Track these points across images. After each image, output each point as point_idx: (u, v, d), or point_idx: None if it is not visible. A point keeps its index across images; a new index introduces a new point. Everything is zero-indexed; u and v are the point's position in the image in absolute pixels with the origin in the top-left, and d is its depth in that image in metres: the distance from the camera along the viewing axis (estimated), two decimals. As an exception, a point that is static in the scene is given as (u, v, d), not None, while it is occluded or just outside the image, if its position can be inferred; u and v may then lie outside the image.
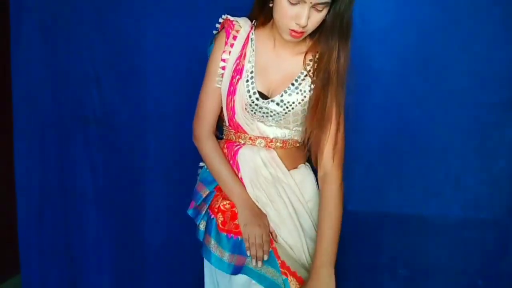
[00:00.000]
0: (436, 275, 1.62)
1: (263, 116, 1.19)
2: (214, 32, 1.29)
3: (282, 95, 1.18)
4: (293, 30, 1.08)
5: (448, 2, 1.46)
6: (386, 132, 1.55)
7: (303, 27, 1.07)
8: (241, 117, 1.21)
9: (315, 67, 1.18)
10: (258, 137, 1.22)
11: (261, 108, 1.18)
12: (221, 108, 1.29)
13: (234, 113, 1.20)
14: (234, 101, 1.19)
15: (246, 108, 1.19)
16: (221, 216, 1.20)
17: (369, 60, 1.51)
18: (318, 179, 1.25)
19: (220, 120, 1.32)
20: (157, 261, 1.72)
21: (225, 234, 1.19)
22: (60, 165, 1.71)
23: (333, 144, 1.19)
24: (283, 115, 1.19)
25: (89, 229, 1.74)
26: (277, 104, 1.18)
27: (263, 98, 1.18)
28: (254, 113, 1.19)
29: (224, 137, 1.31)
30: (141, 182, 1.68)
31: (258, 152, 1.22)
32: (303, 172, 1.29)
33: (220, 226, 1.20)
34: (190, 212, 1.29)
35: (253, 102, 1.17)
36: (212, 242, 1.20)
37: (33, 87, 1.67)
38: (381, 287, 1.66)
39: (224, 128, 1.32)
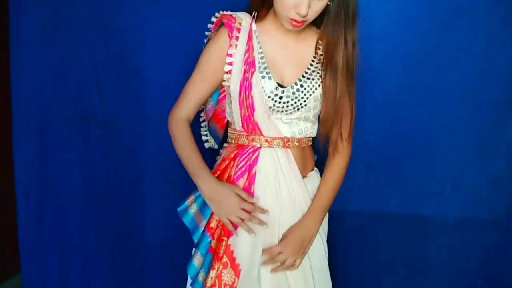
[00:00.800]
0: (436, 275, 1.62)
1: (283, 107, 1.15)
2: (207, 33, 1.25)
3: (300, 80, 1.16)
4: (293, 19, 1.07)
5: (448, 2, 1.46)
6: (386, 132, 1.56)
7: (304, 16, 1.05)
8: (260, 114, 1.15)
9: (323, 58, 1.17)
10: (275, 138, 1.18)
11: (281, 98, 1.14)
12: (205, 105, 1.29)
13: (253, 110, 1.14)
14: (252, 96, 1.14)
15: (268, 101, 1.14)
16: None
17: (369, 60, 1.51)
18: (329, 151, 1.24)
19: (210, 123, 1.30)
20: (157, 261, 1.72)
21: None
22: (60, 165, 1.71)
23: (348, 128, 1.21)
24: (304, 101, 1.16)
25: (89, 229, 1.74)
26: (297, 90, 1.16)
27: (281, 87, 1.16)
28: (274, 105, 1.15)
29: (233, 142, 1.26)
30: (141, 182, 1.68)
31: (276, 154, 1.19)
32: (314, 181, 1.27)
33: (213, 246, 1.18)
34: (187, 221, 1.22)
35: (272, 93, 1.13)
36: (198, 255, 1.18)
37: (32, 87, 1.67)
38: (381, 287, 1.66)
39: (231, 132, 1.27)
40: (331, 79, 1.15)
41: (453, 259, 1.60)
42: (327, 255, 1.26)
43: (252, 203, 1.13)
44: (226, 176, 1.20)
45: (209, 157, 1.34)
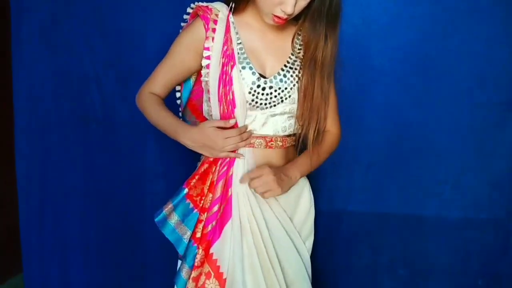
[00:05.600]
0: (436, 275, 1.62)
1: (266, 99, 1.09)
2: (182, 24, 1.20)
3: (283, 70, 1.12)
4: (277, 16, 1.02)
5: (448, 2, 1.46)
6: (386, 132, 1.56)
7: (289, 14, 1.01)
8: (240, 111, 1.09)
9: (303, 55, 1.12)
10: (257, 137, 1.12)
11: (263, 89, 1.09)
12: (173, 92, 1.24)
13: (234, 106, 1.08)
14: (233, 92, 1.07)
15: (250, 92, 1.08)
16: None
17: (369, 60, 1.51)
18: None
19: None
20: (157, 261, 1.72)
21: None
22: (60, 164, 1.71)
23: (331, 118, 1.21)
24: (288, 91, 1.11)
25: (89, 229, 1.74)
26: (281, 80, 1.10)
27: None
28: (257, 97, 1.09)
29: None
30: (141, 182, 1.68)
31: (254, 154, 1.13)
32: (300, 184, 1.21)
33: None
34: (167, 232, 1.15)
35: (254, 84, 1.08)
36: (186, 268, 1.12)
37: (34, 87, 1.67)
38: (381, 287, 1.66)
39: None
40: (309, 76, 1.11)
41: (453, 259, 1.60)
42: (307, 263, 1.19)
43: (232, 127, 1.09)
44: (208, 182, 1.15)
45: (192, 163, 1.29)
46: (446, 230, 1.59)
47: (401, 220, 1.60)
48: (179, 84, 1.24)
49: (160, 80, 1.18)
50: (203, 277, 1.10)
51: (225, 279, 1.09)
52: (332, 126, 1.23)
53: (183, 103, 1.27)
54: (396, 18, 1.49)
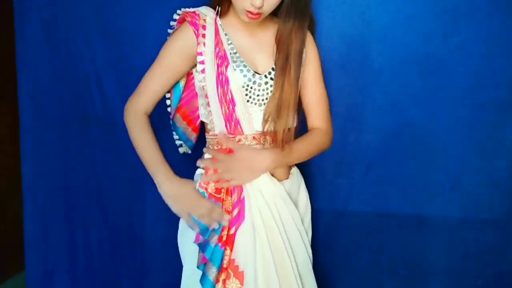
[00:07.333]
0: (436, 275, 1.62)
1: (263, 95, 1.12)
2: (169, 31, 1.22)
3: (276, 65, 1.14)
4: (249, 12, 1.04)
5: (448, 2, 1.46)
6: (386, 132, 1.56)
7: (259, 8, 1.02)
8: (241, 110, 1.11)
9: (276, 50, 1.14)
10: (262, 134, 1.14)
11: (259, 85, 1.12)
12: (167, 99, 1.24)
13: (234, 104, 1.11)
14: (231, 91, 1.10)
15: (247, 89, 1.11)
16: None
17: (369, 60, 1.51)
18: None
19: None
20: (157, 261, 1.72)
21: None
22: (63, 164, 1.71)
23: (321, 114, 1.21)
24: None
25: (90, 228, 1.74)
26: (275, 75, 1.13)
27: None
28: (254, 93, 1.12)
29: (215, 148, 1.19)
30: (141, 182, 1.68)
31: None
32: (297, 180, 1.24)
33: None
34: (208, 253, 1.14)
35: (250, 81, 1.11)
36: (213, 269, 1.11)
37: (38, 87, 1.67)
38: (381, 287, 1.66)
39: (211, 138, 1.20)
40: (280, 72, 1.12)
41: (453, 259, 1.60)
42: (311, 257, 1.22)
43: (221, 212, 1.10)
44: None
45: (181, 163, 1.27)
46: (446, 230, 1.59)
47: (401, 220, 1.60)
48: (168, 92, 1.23)
49: (152, 89, 1.17)
50: (224, 277, 1.12)
51: (242, 271, 1.12)
52: (321, 123, 1.23)
53: (174, 109, 1.26)
54: (396, 18, 1.49)
